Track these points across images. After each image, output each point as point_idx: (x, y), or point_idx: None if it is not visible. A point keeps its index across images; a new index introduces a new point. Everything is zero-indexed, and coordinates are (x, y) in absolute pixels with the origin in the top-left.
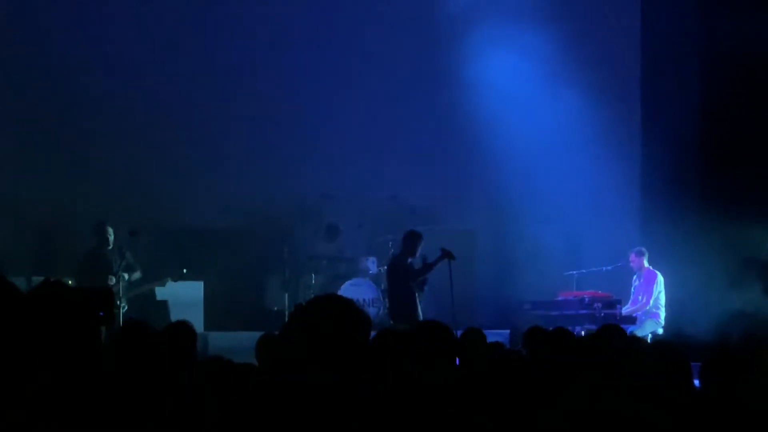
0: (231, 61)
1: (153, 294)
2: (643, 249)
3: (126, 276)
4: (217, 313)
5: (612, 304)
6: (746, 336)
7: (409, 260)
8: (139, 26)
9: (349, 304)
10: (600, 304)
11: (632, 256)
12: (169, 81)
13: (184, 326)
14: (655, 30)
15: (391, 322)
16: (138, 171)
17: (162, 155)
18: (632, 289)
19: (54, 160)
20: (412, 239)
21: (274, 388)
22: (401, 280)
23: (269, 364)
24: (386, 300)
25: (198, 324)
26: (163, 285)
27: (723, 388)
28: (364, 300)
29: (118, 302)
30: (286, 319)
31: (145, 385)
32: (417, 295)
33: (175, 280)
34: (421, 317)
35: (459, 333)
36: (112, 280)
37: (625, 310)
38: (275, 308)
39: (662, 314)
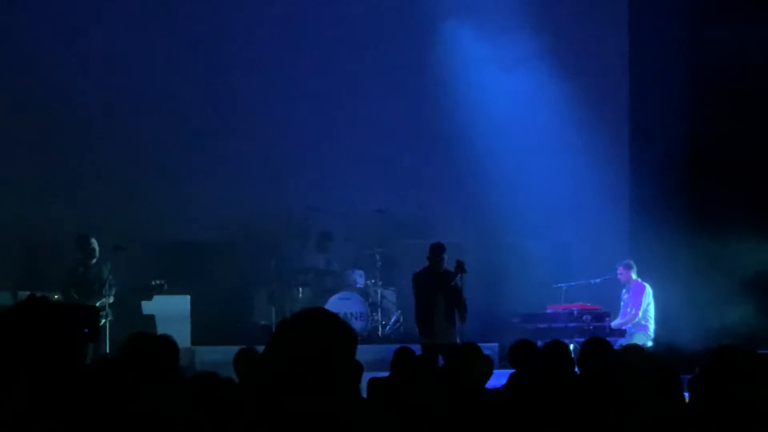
0: (218, 73)
1: (140, 308)
2: (632, 262)
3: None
4: (205, 327)
5: (601, 316)
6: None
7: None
8: (127, 41)
9: (334, 318)
10: (589, 317)
11: (620, 269)
12: (156, 94)
13: (167, 340)
14: (643, 41)
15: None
16: (124, 184)
17: (148, 168)
18: (621, 302)
19: (39, 174)
20: (432, 252)
21: (254, 408)
22: (417, 293)
23: (247, 380)
24: None
25: (185, 338)
26: (150, 299)
27: (712, 400)
28: (351, 313)
29: (104, 316)
30: (272, 333)
31: (126, 398)
32: (439, 308)
33: (149, 292)
34: (438, 330)
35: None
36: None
37: (615, 323)
38: (262, 322)
39: (651, 326)
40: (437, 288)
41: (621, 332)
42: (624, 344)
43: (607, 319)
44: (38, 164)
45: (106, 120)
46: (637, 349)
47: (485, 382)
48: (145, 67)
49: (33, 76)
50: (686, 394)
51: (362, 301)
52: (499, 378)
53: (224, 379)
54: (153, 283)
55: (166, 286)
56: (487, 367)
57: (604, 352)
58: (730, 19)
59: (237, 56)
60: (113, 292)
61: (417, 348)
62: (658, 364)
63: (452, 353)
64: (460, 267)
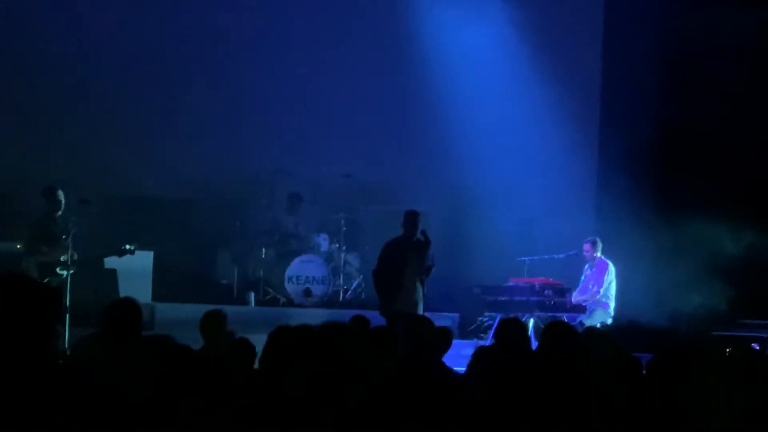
0: (185, 31)
1: (101, 263)
2: (597, 239)
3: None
4: (166, 284)
5: (562, 291)
6: (693, 333)
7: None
8: None
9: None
10: (551, 291)
11: (586, 246)
12: (124, 50)
13: (130, 302)
14: (617, 21)
15: None
16: (90, 139)
17: (115, 123)
18: (582, 278)
19: (4, 125)
20: (406, 219)
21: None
22: (384, 260)
23: (212, 343)
24: None
25: (146, 294)
26: (120, 256)
27: (668, 382)
28: (314, 277)
29: (67, 269)
30: (235, 293)
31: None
32: (407, 277)
33: (120, 256)
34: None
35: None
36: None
37: (575, 298)
38: (224, 281)
39: (612, 304)
40: (409, 256)
41: (581, 308)
42: (587, 326)
43: (568, 294)
44: (3, 115)
45: (73, 73)
46: (599, 334)
47: (443, 353)
48: (114, 23)
49: (1, 26)
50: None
51: (324, 265)
52: (458, 348)
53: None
54: (124, 247)
55: (135, 251)
56: (445, 338)
57: (566, 336)
58: (704, 4)
59: (208, 14)
60: (77, 247)
61: (374, 315)
62: (621, 350)
63: (409, 325)
64: (426, 237)
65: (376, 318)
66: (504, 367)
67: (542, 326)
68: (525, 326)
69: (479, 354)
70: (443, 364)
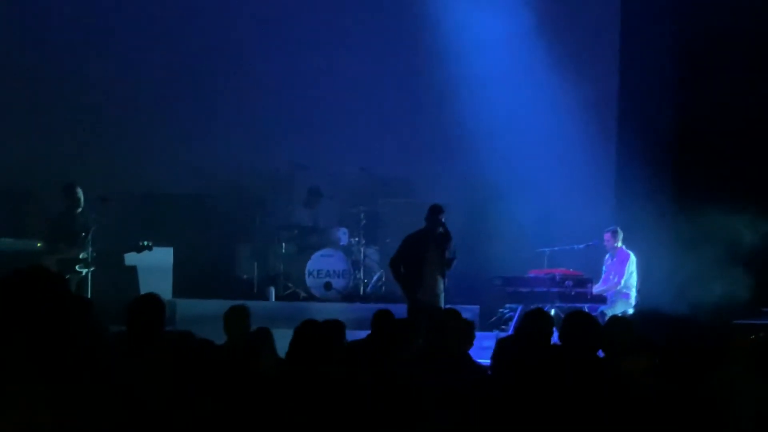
0: (204, 26)
1: (122, 259)
2: (618, 229)
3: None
4: (186, 280)
5: (583, 282)
6: (715, 322)
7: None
8: None
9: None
10: (571, 282)
11: (607, 236)
12: (141, 46)
13: (153, 298)
14: (635, 8)
15: None
16: (109, 135)
17: (134, 120)
18: (603, 268)
19: (22, 122)
20: (430, 213)
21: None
22: (404, 253)
23: (237, 338)
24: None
25: (166, 291)
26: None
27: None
28: (334, 271)
29: (85, 266)
30: (255, 288)
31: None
32: (430, 269)
33: (138, 252)
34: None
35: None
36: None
37: (596, 289)
38: (244, 277)
39: (633, 294)
40: (430, 249)
41: (602, 299)
42: (610, 315)
43: (588, 285)
44: (22, 112)
45: (92, 69)
46: (623, 323)
47: (468, 347)
48: (133, 19)
49: (16, 20)
50: None
51: (345, 258)
52: (479, 340)
53: (200, 340)
54: (141, 243)
55: (153, 247)
56: (469, 331)
57: (587, 325)
58: None
59: (225, 10)
60: (95, 243)
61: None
62: (644, 340)
63: (435, 317)
64: (446, 230)
65: (395, 310)
66: (527, 358)
67: (563, 317)
68: (548, 317)
69: (501, 346)
70: (469, 357)
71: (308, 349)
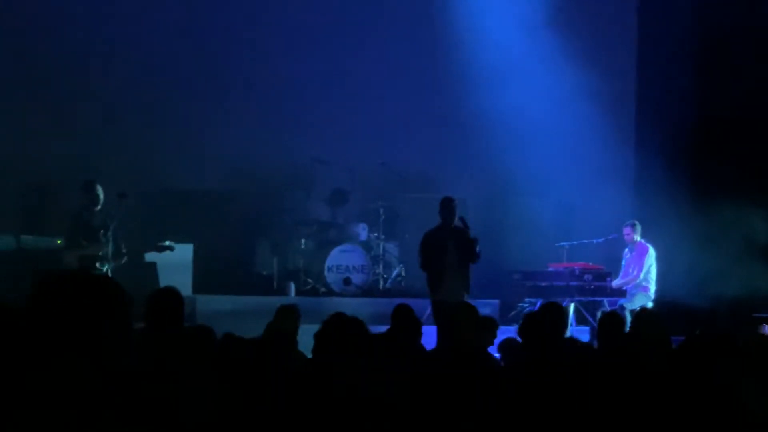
0: (222, 21)
1: (141, 256)
2: (637, 222)
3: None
4: (206, 276)
5: (602, 276)
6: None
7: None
8: None
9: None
10: (590, 276)
11: (626, 230)
12: (159, 41)
13: (171, 292)
14: (653, 3)
15: None
16: (128, 131)
17: (153, 116)
18: (623, 262)
19: (42, 118)
20: (443, 206)
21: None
22: (425, 250)
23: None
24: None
25: (186, 287)
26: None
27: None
28: (353, 266)
29: (106, 263)
30: (275, 284)
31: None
32: (450, 264)
33: (160, 251)
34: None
35: None
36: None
37: (616, 282)
38: (264, 272)
39: (652, 288)
40: (450, 244)
41: (621, 292)
42: (636, 312)
43: (608, 279)
44: (42, 108)
45: (112, 65)
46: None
47: (489, 343)
48: (152, 14)
49: (37, 18)
50: None
51: (364, 254)
52: (499, 335)
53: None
54: (162, 244)
55: (174, 248)
56: (491, 327)
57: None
58: None
59: (244, 4)
60: (121, 244)
61: (415, 303)
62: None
63: (452, 313)
64: (465, 223)
65: (415, 305)
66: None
67: (582, 311)
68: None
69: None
70: (487, 353)
71: (338, 341)
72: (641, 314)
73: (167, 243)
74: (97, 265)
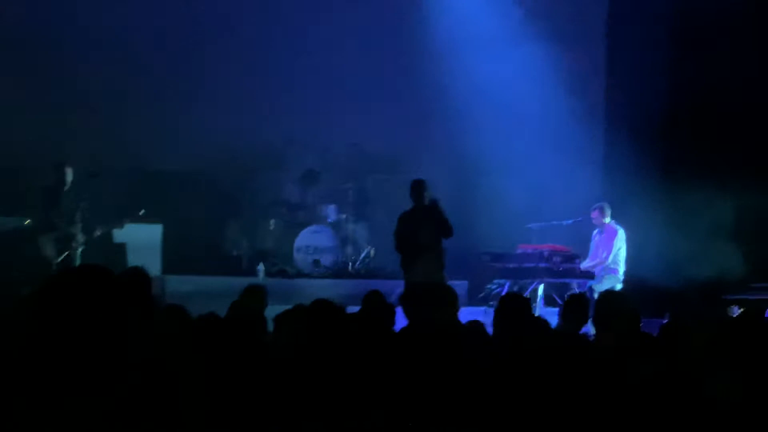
0: (195, 3)
1: (111, 236)
2: (605, 204)
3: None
4: (176, 256)
5: (571, 258)
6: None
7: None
8: None
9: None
10: (559, 258)
11: (594, 213)
12: (131, 22)
13: (139, 272)
14: None
15: None
16: (98, 112)
17: (123, 96)
18: (591, 244)
19: (13, 100)
20: (413, 188)
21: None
22: (400, 231)
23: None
24: None
25: (156, 267)
26: (121, 227)
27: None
28: (323, 247)
29: (78, 244)
30: (245, 264)
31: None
32: (424, 245)
33: (133, 222)
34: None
35: None
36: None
37: (584, 264)
38: (234, 253)
39: (621, 270)
40: (423, 225)
41: (590, 274)
42: (602, 292)
43: (577, 260)
44: (12, 90)
45: (82, 47)
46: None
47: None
48: None
49: (6, 2)
50: None
51: (333, 235)
52: (467, 315)
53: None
54: (140, 213)
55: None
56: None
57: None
58: None
59: None
60: (92, 223)
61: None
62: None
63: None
64: (434, 203)
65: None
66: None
67: (551, 293)
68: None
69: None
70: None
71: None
72: (606, 295)
73: (142, 212)
74: (72, 245)
